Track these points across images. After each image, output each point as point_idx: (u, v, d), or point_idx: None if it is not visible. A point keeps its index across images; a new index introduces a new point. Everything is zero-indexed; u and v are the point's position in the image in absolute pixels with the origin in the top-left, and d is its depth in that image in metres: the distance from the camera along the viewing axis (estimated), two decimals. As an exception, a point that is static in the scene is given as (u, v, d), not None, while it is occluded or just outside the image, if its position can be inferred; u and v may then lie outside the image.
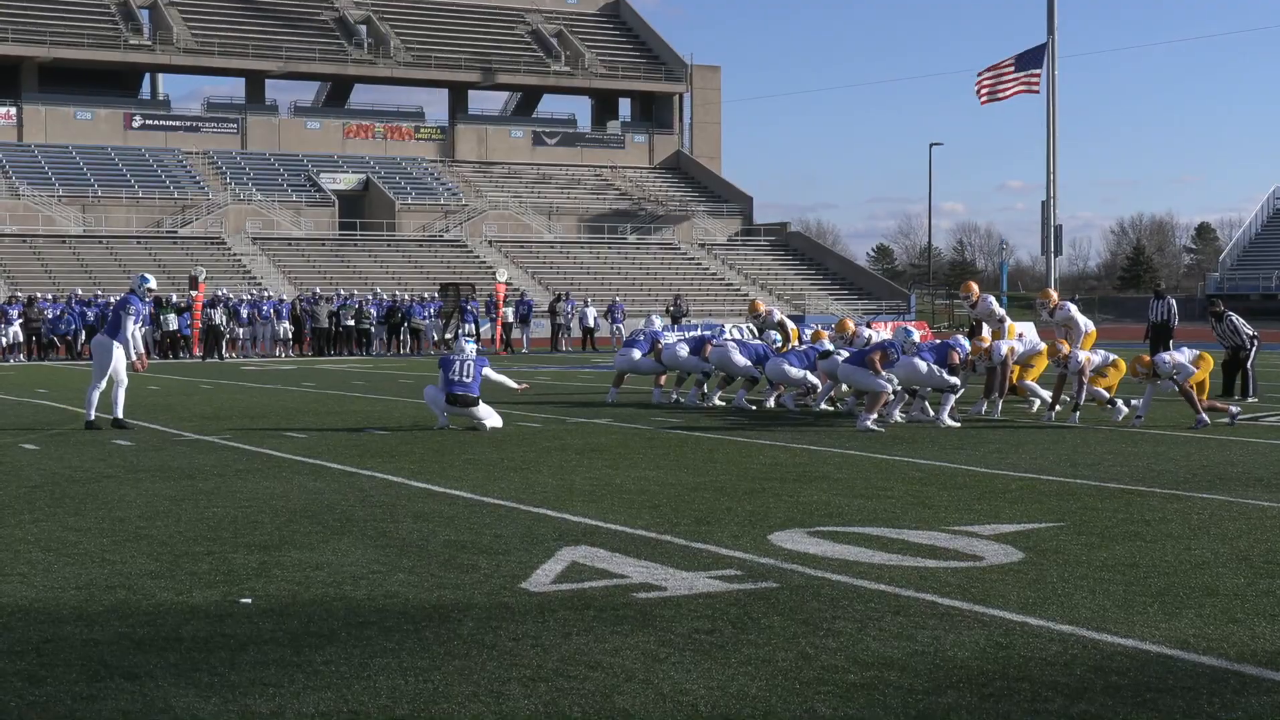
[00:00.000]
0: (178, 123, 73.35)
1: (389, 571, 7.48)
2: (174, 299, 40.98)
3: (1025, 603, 6.66)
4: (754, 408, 18.21)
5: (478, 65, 78.75)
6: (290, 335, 41.55)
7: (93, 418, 15.86)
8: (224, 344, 39.60)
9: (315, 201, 69.48)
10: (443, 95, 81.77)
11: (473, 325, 42.68)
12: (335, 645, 5.92)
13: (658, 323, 20.87)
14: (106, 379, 15.97)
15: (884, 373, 15.88)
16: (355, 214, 69.83)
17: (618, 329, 44.63)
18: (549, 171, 78.71)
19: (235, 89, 78.02)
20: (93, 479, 11.45)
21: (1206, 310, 19.40)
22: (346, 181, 72.85)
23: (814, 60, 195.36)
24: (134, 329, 16.13)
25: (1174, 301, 26.07)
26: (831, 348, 18.21)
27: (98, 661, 5.66)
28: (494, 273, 51.95)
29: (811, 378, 18.11)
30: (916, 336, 16.80)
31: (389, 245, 66.88)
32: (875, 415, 15.60)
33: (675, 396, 19.43)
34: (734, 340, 19.33)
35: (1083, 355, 16.89)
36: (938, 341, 17.43)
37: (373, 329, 42.29)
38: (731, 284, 68.06)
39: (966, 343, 17.30)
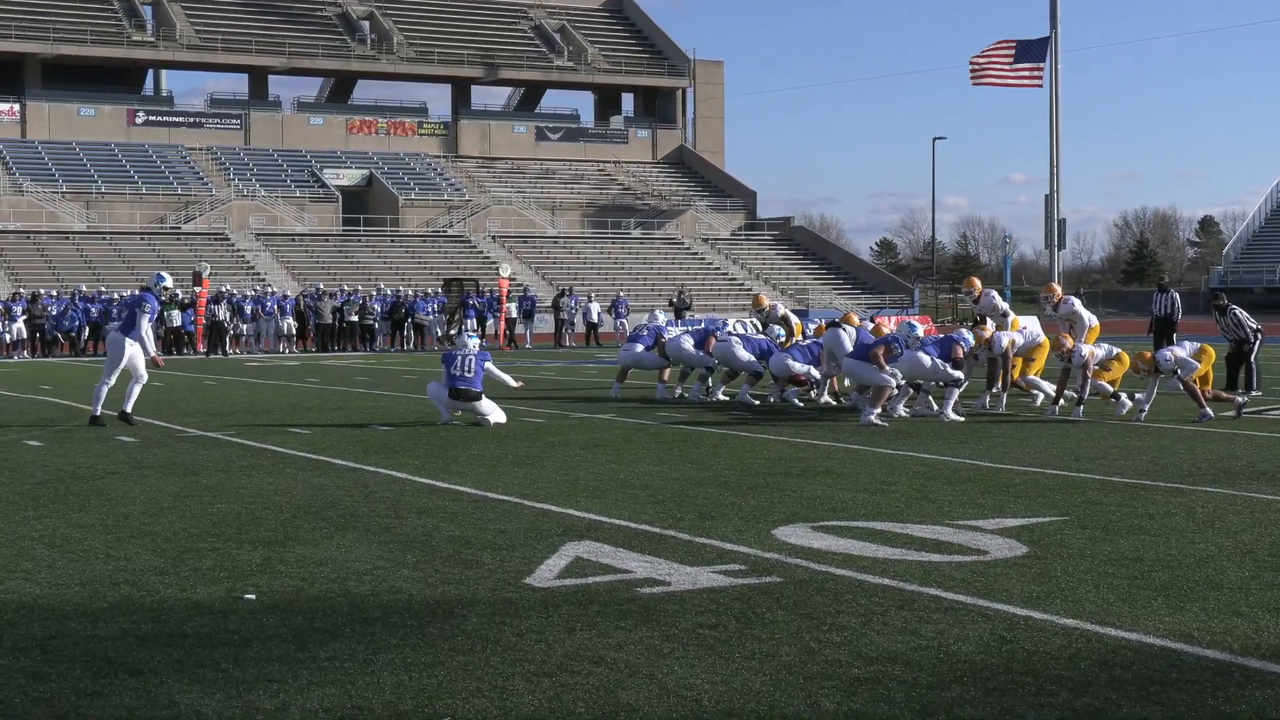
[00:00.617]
0: (181, 119, 73.37)
1: (393, 567, 7.48)
2: (178, 295, 41.00)
3: (1029, 597, 6.66)
4: (757, 403, 18.19)
5: (481, 61, 78.72)
6: (294, 331, 41.59)
7: (98, 413, 15.86)
8: (228, 340, 39.63)
9: (319, 197, 69.48)
10: (446, 91, 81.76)
11: (476, 320, 42.72)
12: (339, 641, 5.92)
13: (661, 318, 20.84)
14: (116, 376, 15.97)
15: (888, 367, 15.88)
16: (359, 210, 69.83)
17: (621, 324, 44.61)
18: (552, 167, 78.68)
19: (238, 85, 78.03)
20: (97, 475, 11.46)
21: (1210, 304, 19.38)
22: (350, 177, 72.83)
23: (817, 55, 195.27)
24: (148, 326, 16.12)
25: (1177, 295, 26.02)
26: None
27: (102, 658, 5.66)
28: (497, 268, 51.96)
29: (814, 372, 18.09)
30: (920, 331, 16.79)
31: (392, 241, 66.88)
32: (879, 410, 15.61)
33: (679, 391, 19.42)
34: (738, 335, 19.31)
35: (1087, 349, 16.88)
36: (941, 336, 17.41)
37: (376, 325, 42.31)
38: (735, 279, 68.03)
39: (970, 337, 17.29)
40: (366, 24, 78.83)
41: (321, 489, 10.55)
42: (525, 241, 68.76)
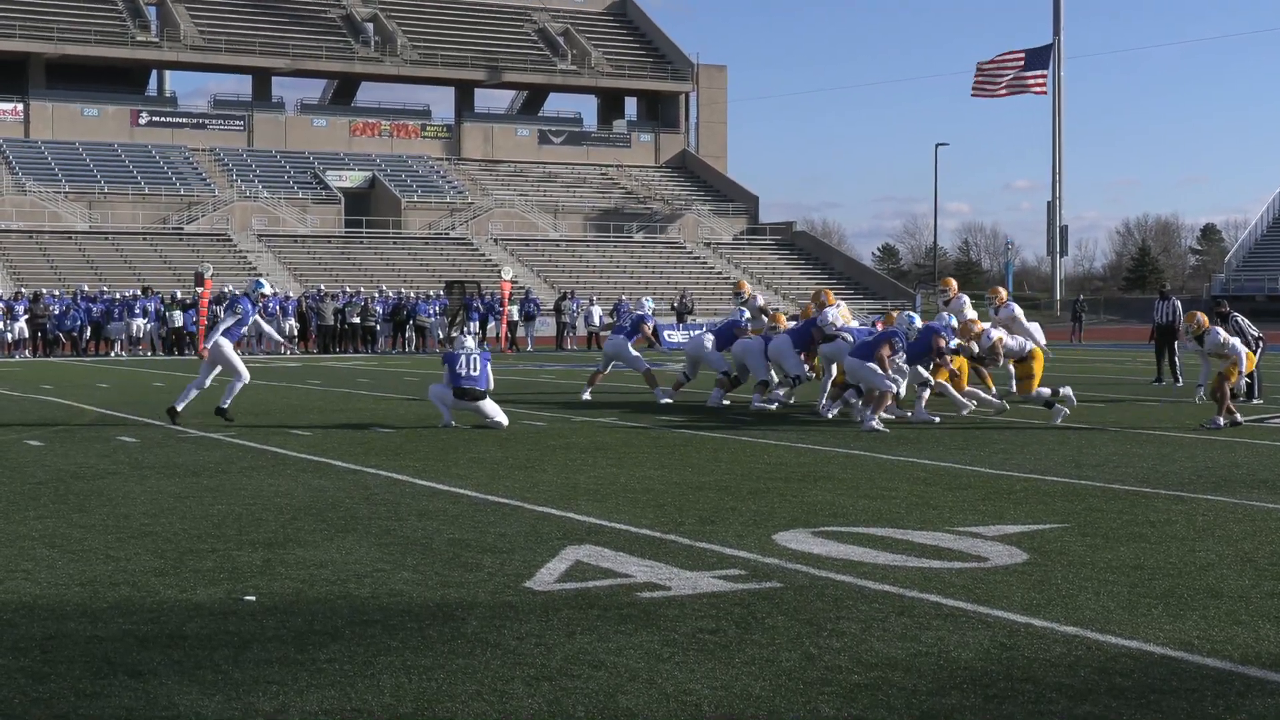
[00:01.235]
0: (184, 119, 73.41)
1: (393, 570, 7.48)
2: (178, 295, 41.00)
3: (1029, 604, 6.66)
4: (773, 408, 18.00)
5: (484, 64, 78.76)
6: (296, 332, 41.59)
7: (179, 408, 16.23)
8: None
9: (321, 199, 69.50)
10: (449, 94, 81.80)
11: (478, 323, 42.70)
12: (339, 643, 5.92)
13: (648, 305, 21.03)
14: (212, 377, 16.50)
15: (890, 372, 15.86)
16: (361, 212, 69.85)
17: (622, 328, 44.52)
18: (555, 170, 78.71)
19: (242, 86, 78.11)
20: (97, 476, 11.46)
21: (1212, 311, 19.36)
22: (352, 179, 72.86)
23: (819, 60, 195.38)
24: (230, 325, 16.49)
25: (1179, 302, 26.01)
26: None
27: (101, 659, 5.66)
28: (499, 271, 51.95)
29: (804, 369, 18.10)
30: (919, 323, 16.64)
31: (395, 243, 66.89)
32: (879, 416, 15.59)
33: (664, 399, 19.23)
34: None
35: (995, 333, 16.83)
36: (922, 326, 17.01)
37: (378, 326, 42.33)
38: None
39: (954, 321, 17.16)
40: (370, 26, 78.88)
41: (322, 491, 10.55)
42: (527, 245, 68.78)
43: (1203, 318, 16.97)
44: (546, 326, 47.57)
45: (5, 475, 11.50)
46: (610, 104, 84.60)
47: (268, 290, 17.83)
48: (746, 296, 20.71)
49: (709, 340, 19.41)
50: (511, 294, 45.92)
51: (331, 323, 41.78)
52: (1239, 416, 16.17)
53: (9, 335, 38.87)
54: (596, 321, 45.44)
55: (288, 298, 43.96)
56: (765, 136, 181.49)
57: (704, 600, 6.73)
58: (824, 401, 17.34)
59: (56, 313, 39.68)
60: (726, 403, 18.57)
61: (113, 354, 39.08)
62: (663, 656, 5.69)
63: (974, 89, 45.18)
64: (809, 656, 5.70)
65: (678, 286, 61.30)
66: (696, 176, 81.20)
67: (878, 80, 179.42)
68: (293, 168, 71.92)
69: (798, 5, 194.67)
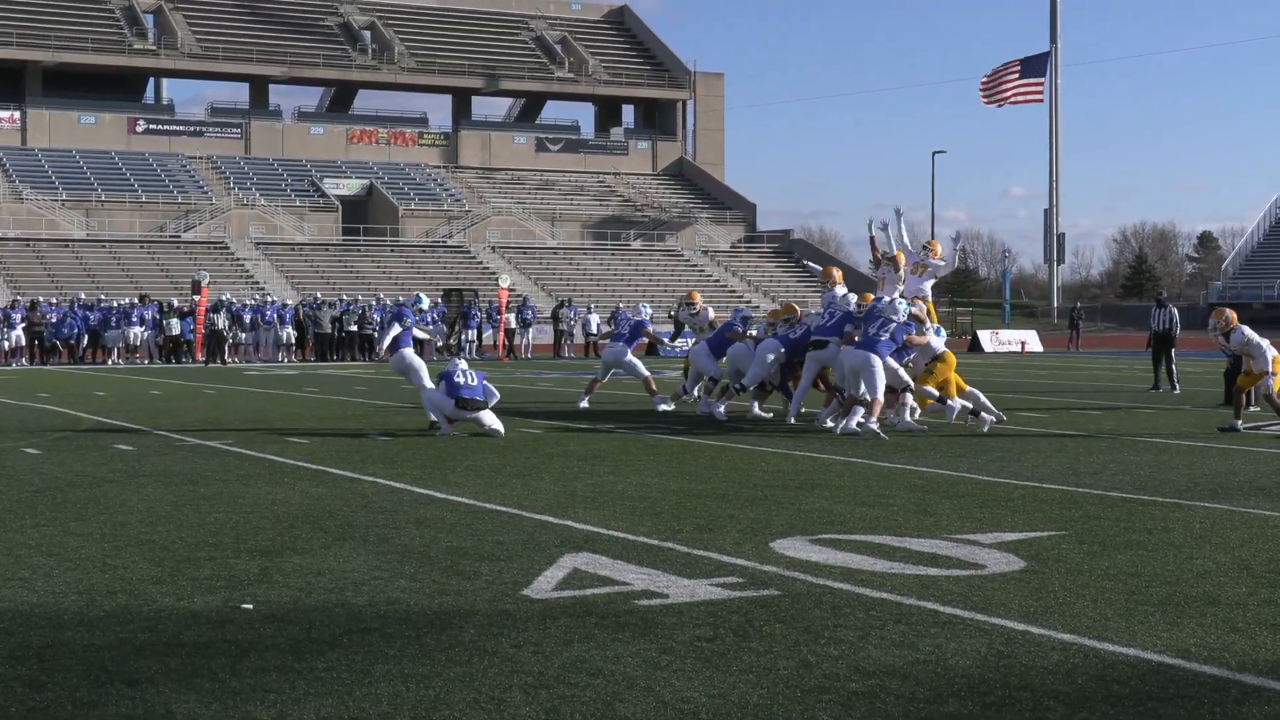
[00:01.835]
0: (181, 127, 73.48)
1: (390, 578, 7.48)
2: (175, 303, 40.99)
3: (1027, 611, 6.65)
4: (769, 415, 17.96)
5: (481, 71, 78.82)
6: (293, 340, 41.58)
7: (434, 418, 16.11)
8: (226, 349, 39.61)
9: (319, 206, 69.55)
10: (446, 101, 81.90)
11: (476, 331, 42.69)
12: (336, 651, 5.91)
13: (646, 311, 21.15)
14: (427, 378, 16.87)
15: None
16: (359, 219, 69.89)
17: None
18: (552, 178, 78.76)
19: (239, 94, 78.21)
20: (94, 484, 11.45)
21: (1209, 319, 19.37)
22: (350, 187, 72.91)
23: (817, 67, 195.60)
24: (396, 330, 17.40)
25: (1176, 310, 26.03)
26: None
27: (98, 667, 5.66)
28: (497, 279, 51.96)
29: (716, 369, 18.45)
30: (902, 304, 16.43)
31: (392, 251, 66.92)
32: (876, 418, 15.53)
33: (660, 407, 19.25)
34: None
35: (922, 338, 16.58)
36: (896, 324, 16.71)
37: (375, 334, 42.27)
38: (734, 291, 68.04)
39: (920, 313, 16.86)
40: (368, 34, 78.95)
41: (319, 499, 10.54)
42: (525, 252, 68.82)
43: (1231, 314, 16.85)
44: (544, 334, 47.56)
45: (2, 483, 11.49)
46: (608, 111, 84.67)
47: (425, 305, 19.17)
48: (699, 309, 20.69)
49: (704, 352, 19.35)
50: (509, 302, 45.92)
51: (328, 330, 41.76)
52: (1240, 424, 16.17)
53: (6, 343, 38.83)
54: (594, 329, 45.44)
55: (285, 305, 43.93)
56: (763, 144, 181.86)
57: (701, 608, 6.72)
58: (823, 410, 17.29)
59: (54, 320, 39.65)
60: (721, 410, 18.49)
61: (110, 362, 39.07)
62: (660, 664, 5.69)
63: (985, 99, 45.49)
64: (806, 664, 5.70)
65: (675, 295, 61.31)
66: (694, 184, 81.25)
67: (875, 88, 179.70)
68: (290, 175, 71.95)
69: (794, 13, 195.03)
